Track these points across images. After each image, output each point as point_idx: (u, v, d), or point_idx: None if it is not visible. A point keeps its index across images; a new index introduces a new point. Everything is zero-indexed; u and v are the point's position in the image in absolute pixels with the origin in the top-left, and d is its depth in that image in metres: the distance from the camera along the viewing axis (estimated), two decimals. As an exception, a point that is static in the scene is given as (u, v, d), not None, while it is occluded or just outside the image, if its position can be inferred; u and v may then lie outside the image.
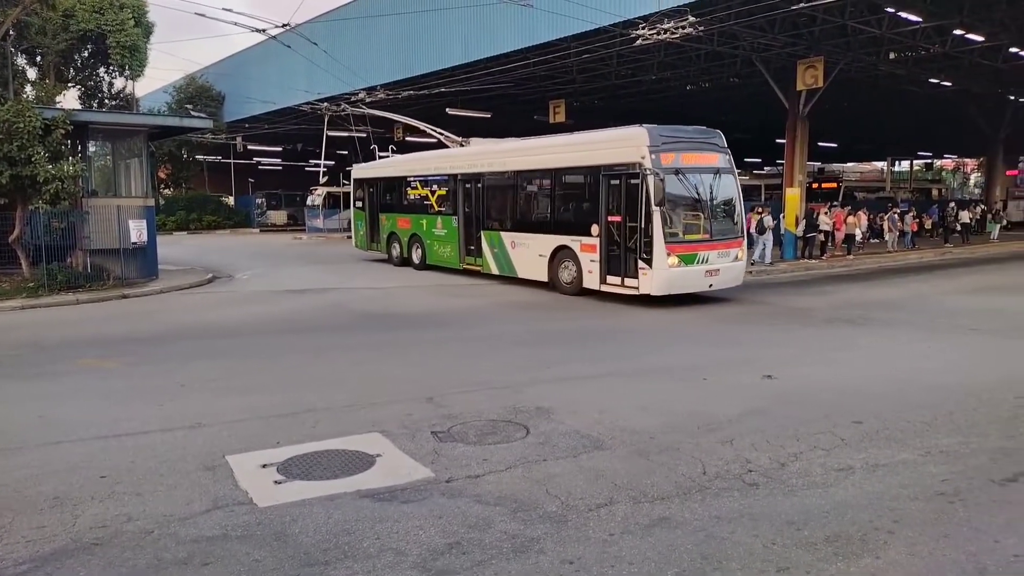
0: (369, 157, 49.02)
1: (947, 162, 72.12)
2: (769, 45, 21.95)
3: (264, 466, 5.28)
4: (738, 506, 4.57)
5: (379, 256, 22.17)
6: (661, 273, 12.48)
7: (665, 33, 15.16)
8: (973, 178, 71.91)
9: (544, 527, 4.28)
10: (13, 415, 6.81)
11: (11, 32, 21.21)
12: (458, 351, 9.71)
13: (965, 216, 29.38)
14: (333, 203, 38.23)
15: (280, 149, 54.13)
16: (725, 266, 13.34)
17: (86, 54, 28.97)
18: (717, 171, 13.23)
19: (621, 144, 13.10)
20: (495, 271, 16.64)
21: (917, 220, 28.14)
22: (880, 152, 57.77)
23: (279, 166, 60.91)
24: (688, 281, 12.93)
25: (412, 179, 19.84)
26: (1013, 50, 24.20)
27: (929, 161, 68.04)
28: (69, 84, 29.25)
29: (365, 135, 36.45)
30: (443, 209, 18.36)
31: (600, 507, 4.56)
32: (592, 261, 13.67)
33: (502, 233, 16.24)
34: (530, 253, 15.37)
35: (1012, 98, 32.91)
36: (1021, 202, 41.77)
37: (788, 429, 6.08)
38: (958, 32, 21.63)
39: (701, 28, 15.42)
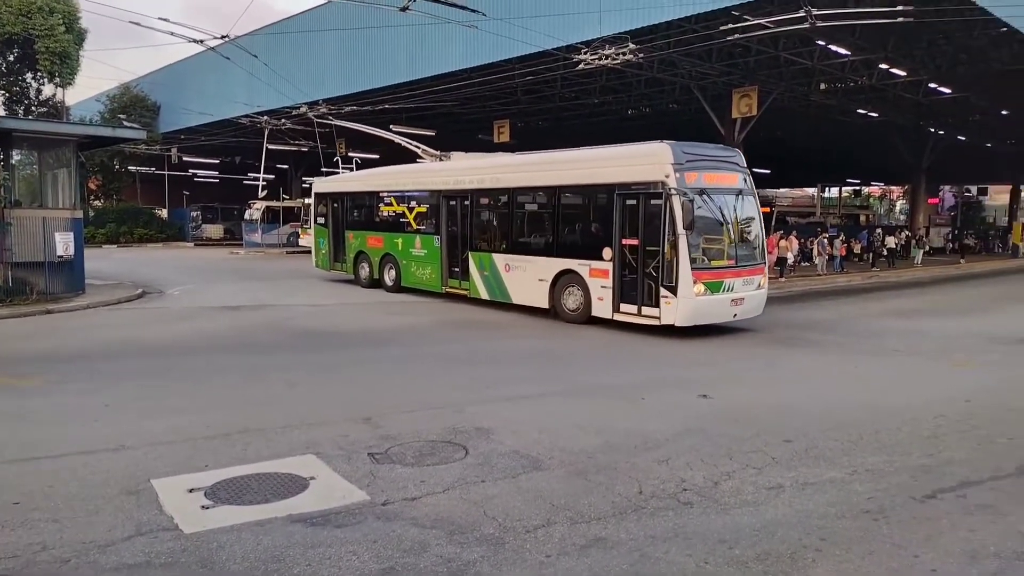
0: (313, 171, 48.37)
1: (874, 189, 75.55)
2: (706, 73, 22.68)
3: (191, 490, 5.09)
4: (672, 525, 4.63)
5: (344, 277, 20.73)
6: (687, 302, 11.56)
7: (606, 59, 15.48)
8: (899, 205, 75.43)
9: (481, 550, 4.24)
10: (-82, 438, 6.40)
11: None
12: (398, 371, 9.59)
13: (891, 241, 30.75)
14: (272, 218, 37.52)
15: (217, 161, 52.98)
16: (749, 294, 12.51)
17: (11, 58, 27.84)
18: (739, 192, 12.48)
19: (640, 161, 12.17)
20: (484, 296, 15.32)
21: (846, 244, 29.30)
22: (811, 178, 60.14)
23: (216, 179, 59.50)
24: (714, 310, 12.07)
25: (386, 195, 18.47)
26: (932, 85, 25.63)
27: (857, 188, 71.18)
28: (-8, 89, 28.05)
29: (307, 149, 36.00)
30: (423, 228, 17.07)
31: (538, 528, 4.55)
32: (603, 288, 12.64)
33: (494, 255, 14.97)
34: (527, 277, 14.17)
35: (932, 130, 34.75)
36: (942, 229, 44.04)
37: (722, 448, 6.20)
38: (883, 66, 22.79)
39: (641, 55, 15.81)
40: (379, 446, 6.13)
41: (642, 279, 12.12)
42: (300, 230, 35.26)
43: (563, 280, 13.52)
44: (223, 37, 16.92)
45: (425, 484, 5.27)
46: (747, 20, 14.28)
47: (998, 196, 60.65)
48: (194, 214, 46.72)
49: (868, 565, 4.17)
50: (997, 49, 21.43)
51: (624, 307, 12.46)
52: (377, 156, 34.28)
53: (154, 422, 6.85)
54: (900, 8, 12.73)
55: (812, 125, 32.57)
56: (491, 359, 10.56)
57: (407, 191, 17.86)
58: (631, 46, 15.17)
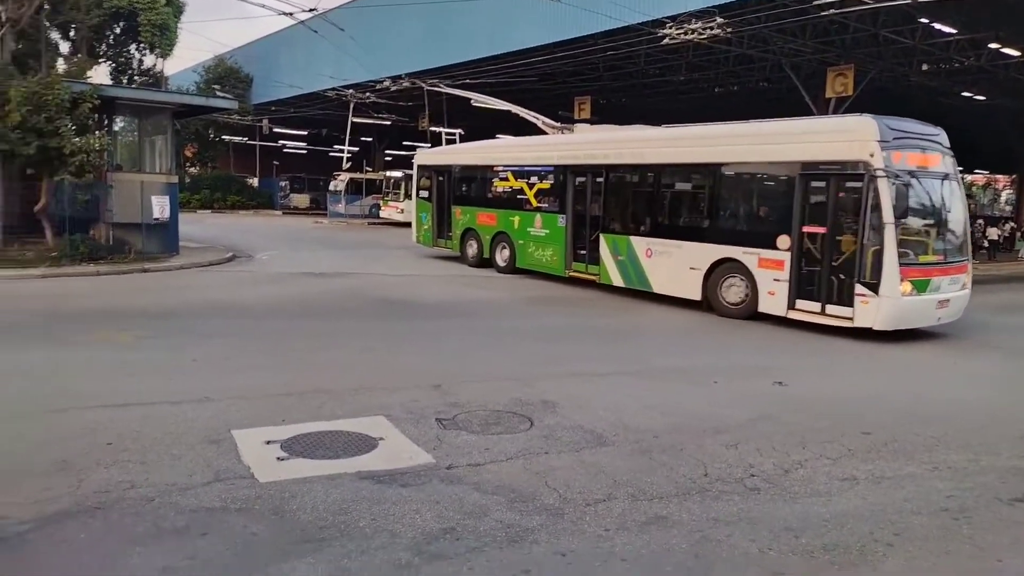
0: (396, 144, 49.02)
1: (977, 177, 71.01)
2: (799, 51, 21.72)
3: (268, 443, 5.32)
4: (737, 510, 4.54)
5: (447, 254, 19.71)
6: (890, 302, 10.11)
7: (693, 33, 15.04)
8: (1004, 195, 70.75)
9: (540, 519, 4.27)
10: (24, 383, 6.93)
11: (46, 6, 21.49)
12: (473, 343, 9.72)
13: (993, 233, 28.92)
14: (355, 189, 38.47)
15: (305, 133, 54.50)
16: (955, 295, 11.04)
17: (118, 31, 29.27)
18: (945, 176, 11.02)
19: (835, 137, 10.82)
20: (619, 282, 13.95)
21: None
22: (908, 164, 56.97)
23: (304, 150, 61.28)
24: (918, 313, 10.59)
25: (501, 168, 17.09)
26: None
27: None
28: (101, 60, 29.57)
29: (390, 123, 36.61)
30: (544, 205, 15.73)
31: (598, 502, 4.55)
32: (776, 280, 11.23)
33: (633, 238, 13.53)
34: (675, 264, 12.76)
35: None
36: (1051, 222, 41.02)
37: (795, 436, 6.01)
38: (993, 46, 21.25)
39: (729, 30, 15.28)
40: (447, 412, 6.24)
41: (829, 273, 10.69)
42: (382, 202, 35.98)
43: (721, 269, 12.09)
44: (311, 10, 17.31)
45: (489, 452, 5.34)
46: (846, -6, 13.58)
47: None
48: (283, 184, 48.43)
49: (943, 564, 3.99)
50: None
51: (802, 304, 11.04)
52: (461, 131, 34.51)
53: (237, 378, 7.19)
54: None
55: (912, 108, 30.74)
56: (566, 336, 10.53)
57: (527, 165, 16.36)
58: (719, 20, 14.68)
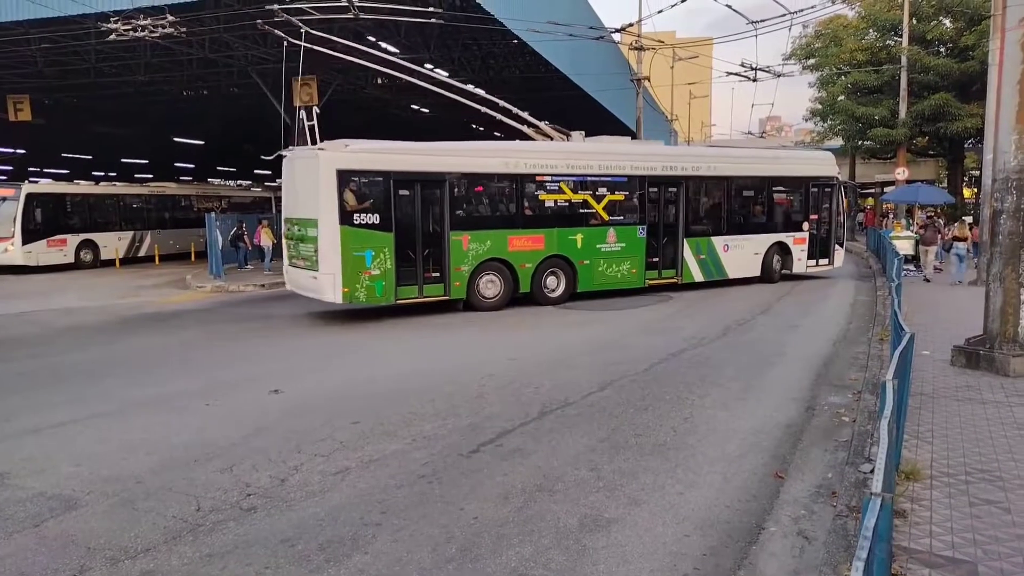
0: None
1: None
2: (264, 58, 22.03)
3: None
4: (233, 537, 4.35)
5: (423, 300, 13.18)
6: (843, 252, 18.59)
7: (143, 31, 13.83)
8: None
9: (-21, 630, 3.40)
10: None
11: None
12: None
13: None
14: None
15: None
16: None
17: None
18: None
19: (822, 162, 18.19)
20: (699, 278, 16.35)
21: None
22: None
23: None
24: None
25: (550, 178, 14.20)
26: (470, 87, 28.96)
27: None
28: None
29: None
30: (620, 218, 15.16)
31: (65, 582, 3.84)
32: (802, 251, 17.52)
33: (713, 238, 16.47)
34: (744, 253, 16.77)
35: (473, 126, 39.44)
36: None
37: (291, 442, 6.07)
38: (429, 66, 24.92)
39: (184, 30, 14.52)
40: None
41: (818, 242, 17.70)
42: None
43: (772, 250, 17.16)
44: None
45: None
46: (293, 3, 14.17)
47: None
48: None
49: (423, 527, 4.48)
50: (515, 58, 25.19)
51: (808, 262, 17.69)
52: None
53: None
54: (432, 10, 13.98)
55: (370, 117, 34.16)
56: (15, 384, 8.60)
57: (591, 175, 14.81)
58: (170, 19, 13.81)
